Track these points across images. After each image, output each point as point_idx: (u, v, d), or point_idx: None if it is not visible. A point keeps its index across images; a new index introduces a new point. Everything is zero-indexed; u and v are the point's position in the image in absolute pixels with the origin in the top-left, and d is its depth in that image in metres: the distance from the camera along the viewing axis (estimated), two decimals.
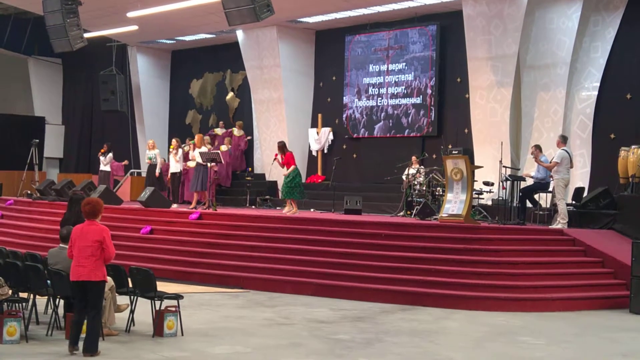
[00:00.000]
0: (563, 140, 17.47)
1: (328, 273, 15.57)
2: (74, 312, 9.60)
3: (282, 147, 20.35)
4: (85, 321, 9.41)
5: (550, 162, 17.19)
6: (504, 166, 18.12)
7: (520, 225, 17.07)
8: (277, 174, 23.50)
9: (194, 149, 21.94)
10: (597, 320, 13.21)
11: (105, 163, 25.36)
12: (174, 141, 23.09)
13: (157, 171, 23.87)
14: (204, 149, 21.62)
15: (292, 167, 19.95)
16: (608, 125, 19.42)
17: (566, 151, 17.12)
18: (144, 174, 27.43)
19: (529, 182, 18.27)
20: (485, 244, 15.54)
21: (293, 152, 20.69)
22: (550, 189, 17.92)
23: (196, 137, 22.38)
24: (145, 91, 30.66)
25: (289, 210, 19.99)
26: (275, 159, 20.60)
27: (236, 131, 27.20)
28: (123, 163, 27.35)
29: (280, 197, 20.62)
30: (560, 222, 16.91)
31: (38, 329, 10.83)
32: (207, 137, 24.00)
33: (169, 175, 22.92)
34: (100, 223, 9.55)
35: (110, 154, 25.49)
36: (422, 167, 20.93)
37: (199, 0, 21.13)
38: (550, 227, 17.00)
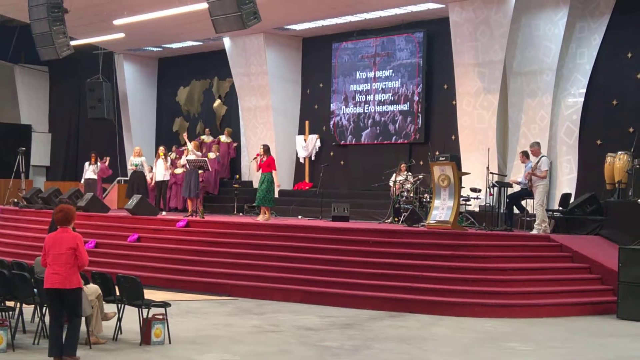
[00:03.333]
0: (540, 147, 17.53)
1: (316, 280, 15.55)
2: (51, 321, 9.53)
3: (267, 150, 20.24)
4: (66, 326, 9.39)
5: (542, 171, 17.08)
6: (491, 172, 18.15)
7: (508, 232, 17.11)
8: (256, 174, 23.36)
9: (187, 155, 21.84)
10: (585, 326, 13.24)
11: (96, 172, 25.27)
12: (161, 148, 23.04)
13: (149, 178, 23.70)
14: (191, 156, 21.47)
15: (274, 172, 19.93)
16: (594, 132, 19.48)
17: (547, 157, 17.23)
18: None
19: (516, 188, 18.31)
20: (472, 250, 15.56)
21: (280, 160, 20.65)
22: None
23: (192, 143, 22.22)
24: (132, 99, 30.61)
25: (263, 217, 19.92)
26: (255, 158, 20.51)
27: (224, 138, 27.16)
28: (106, 161, 26.56)
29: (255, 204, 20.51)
30: (539, 228, 16.93)
31: (25, 337, 10.80)
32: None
33: (154, 183, 22.84)
34: (72, 230, 9.54)
35: (99, 163, 25.38)
36: (410, 173, 20.95)
37: (185, 8, 21.10)
38: (531, 233, 16.99)
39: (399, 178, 20.69)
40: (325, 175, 23.26)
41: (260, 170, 20.03)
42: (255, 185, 25.88)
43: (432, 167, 17.35)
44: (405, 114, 23.25)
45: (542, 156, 17.23)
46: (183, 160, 21.96)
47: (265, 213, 20.02)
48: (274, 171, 19.99)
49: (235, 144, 27.33)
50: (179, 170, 23.91)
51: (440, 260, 15.23)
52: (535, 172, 17.09)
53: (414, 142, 23.09)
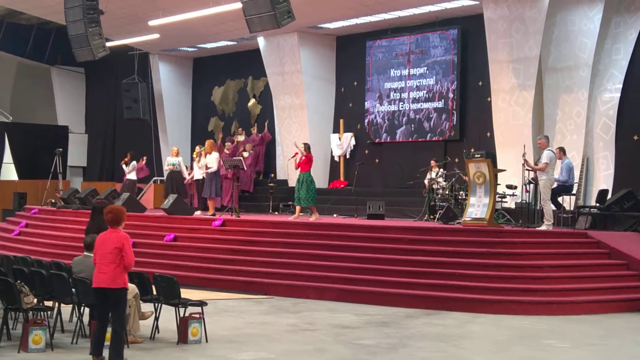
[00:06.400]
0: (548, 140, 17.40)
1: (352, 278, 15.55)
2: (96, 320, 9.61)
3: (307, 148, 20.05)
4: (110, 329, 9.44)
5: (541, 164, 16.94)
6: (526, 169, 18.05)
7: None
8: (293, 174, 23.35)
9: (205, 156, 21.62)
10: (622, 323, 13.14)
11: (129, 171, 25.40)
12: (197, 148, 23.11)
13: (187, 178, 23.68)
14: (214, 154, 21.41)
15: (308, 172, 19.78)
16: (631, 127, 19.34)
17: (552, 151, 17.10)
18: None
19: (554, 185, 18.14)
20: (509, 247, 15.49)
21: (315, 158, 20.60)
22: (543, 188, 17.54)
23: (207, 142, 22.11)
24: (168, 99, 30.79)
25: (314, 216, 19.93)
26: (294, 156, 20.42)
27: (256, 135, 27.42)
28: (143, 159, 26.65)
29: (295, 204, 20.30)
30: (545, 224, 16.81)
31: (63, 337, 10.89)
32: (228, 143, 23.82)
33: (193, 181, 22.90)
34: (122, 231, 9.58)
35: (134, 162, 25.47)
36: (441, 170, 20.89)
37: (220, 8, 21.20)
38: (538, 229, 16.83)
39: (432, 175, 20.68)
40: (360, 174, 23.22)
41: (299, 169, 19.94)
42: (291, 184, 26.07)
43: (468, 164, 17.28)
44: (440, 111, 23.19)
45: (547, 149, 17.09)
46: (202, 162, 21.71)
47: (313, 212, 19.94)
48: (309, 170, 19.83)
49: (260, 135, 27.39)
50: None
51: (477, 258, 15.18)
52: (536, 165, 17.04)
53: (449, 140, 23.03)
